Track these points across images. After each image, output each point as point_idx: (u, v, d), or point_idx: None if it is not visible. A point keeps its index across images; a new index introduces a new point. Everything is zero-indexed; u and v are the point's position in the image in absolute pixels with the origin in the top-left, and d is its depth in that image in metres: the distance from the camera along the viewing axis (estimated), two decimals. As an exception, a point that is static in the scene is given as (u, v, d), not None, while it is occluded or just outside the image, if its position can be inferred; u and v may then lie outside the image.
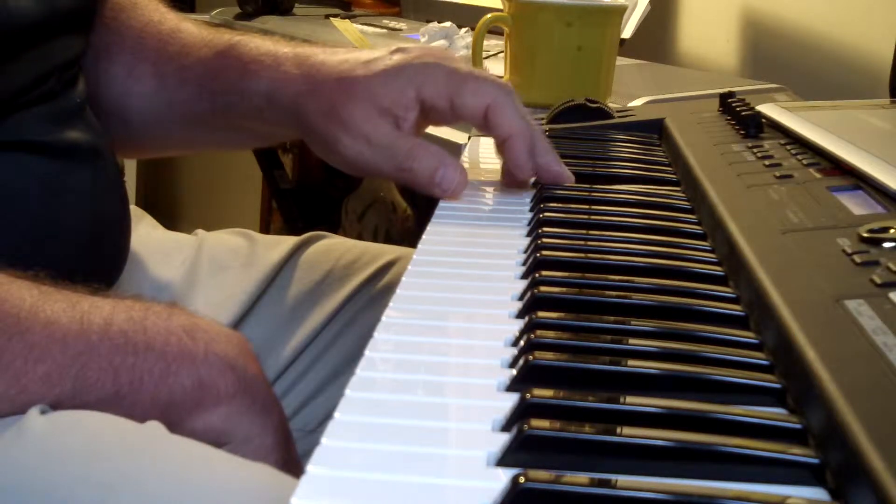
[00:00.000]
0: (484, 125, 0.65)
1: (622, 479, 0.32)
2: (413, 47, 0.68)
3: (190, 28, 0.78)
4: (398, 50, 0.67)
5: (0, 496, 0.45)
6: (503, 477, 0.32)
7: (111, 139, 0.74)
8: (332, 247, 0.86)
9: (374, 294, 0.82)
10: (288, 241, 0.86)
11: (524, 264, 0.52)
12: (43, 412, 0.48)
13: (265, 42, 0.73)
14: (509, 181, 0.68)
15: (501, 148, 0.65)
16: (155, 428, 0.48)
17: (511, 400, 0.36)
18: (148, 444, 0.47)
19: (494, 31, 1.04)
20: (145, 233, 0.83)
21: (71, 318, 0.50)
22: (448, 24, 1.28)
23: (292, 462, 0.55)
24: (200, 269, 0.82)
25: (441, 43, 1.24)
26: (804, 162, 0.62)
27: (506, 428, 0.35)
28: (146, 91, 0.77)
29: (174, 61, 0.76)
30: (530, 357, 0.39)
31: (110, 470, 0.45)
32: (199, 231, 0.87)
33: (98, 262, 0.68)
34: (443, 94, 0.64)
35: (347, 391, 0.37)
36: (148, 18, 0.79)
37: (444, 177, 0.64)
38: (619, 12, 1.04)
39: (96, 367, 0.50)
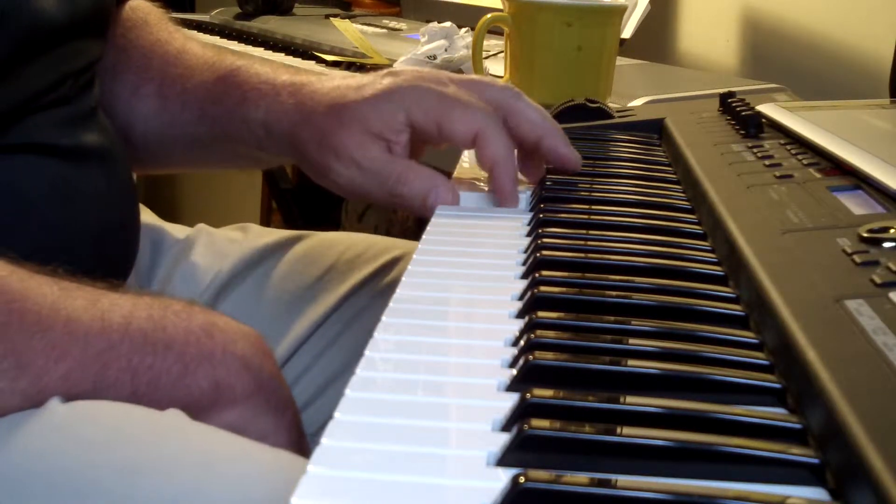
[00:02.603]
0: (473, 150, 0.65)
1: (622, 479, 0.32)
2: (405, 70, 0.68)
3: (195, 49, 0.79)
4: (389, 73, 0.68)
5: (26, 482, 0.45)
6: (503, 477, 0.32)
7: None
8: (337, 239, 0.86)
9: (380, 289, 0.82)
10: (286, 232, 0.86)
11: (524, 264, 0.52)
12: (62, 402, 0.48)
13: (265, 68, 0.74)
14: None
15: (489, 174, 0.66)
16: (176, 414, 0.48)
17: (511, 400, 0.36)
18: (171, 429, 0.47)
19: (494, 31, 1.04)
20: (144, 221, 0.83)
21: (92, 315, 0.50)
22: (448, 24, 1.28)
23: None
24: (194, 250, 0.82)
25: (441, 43, 1.24)
26: (804, 162, 0.62)
27: (506, 428, 0.35)
28: (149, 111, 0.78)
29: (177, 83, 0.77)
30: (530, 357, 0.39)
31: (135, 455, 0.45)
32: (201, 224, 0.87)
33: (107, 264, 0.68)
34: (431, 119, 0.64)
35: (347, 391, 0.37)
36: (156, 38, 0.80)
37: (437, 200, 0.64)
38: (619, 12, 1.04)
39: (116, 367, 0.49)
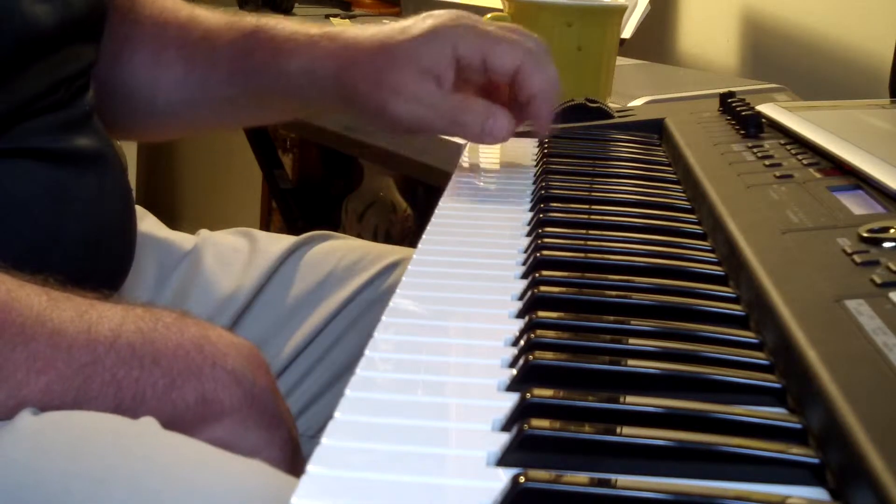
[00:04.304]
0: (512, 84, 0.71)
1: (622, 479, 0.32)
2: (444, 12, 0.72)
3: (206, 14, 0.81)
4: (429, 16, 0.72)
5: None
6: (503, 477, 0.32)
7: (139, 126, 0.78)
8: (335, 247, 0.86)
9: (377, 296, 0.82)
10: (290, 238, 0.86)
11: (524, 264, 0.52)
12: (34, 413, 0.47)
13: (290, 23, 0.76)
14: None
15: (525, 105, 0.71)
16: (148, 424, 0.48)
17: (511, 400, 0.36)
18: (141, 439, 0.47)
19: (494, 31, 1.04)
20: (148, 232, 0.83)
21: (78, 328, 0.49)
22: (448, 24, 1.28)
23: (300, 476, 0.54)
24: (203, 267, 0.82)
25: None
26: (804, 162, 0.62)
27: (506, 428, 0.35)
28: (175, 77, 0.79)
29: (201, 45, 0.79)
30: (530, 357, 0.39)
31: (102, 465, 0.45)
32: (203, 231, 0.87)
33: (102, 268, 0.67)
34: (476, 53, 0.69)
35: (347, 391, 0.37)
36: (162, 6, 0.81)
37: (494, 126, 0.69)
38: (619, 12, 1.04)
39: (99, 381, 0.49)
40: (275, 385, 0.55)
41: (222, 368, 0.51)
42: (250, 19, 0.78)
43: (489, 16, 0.99)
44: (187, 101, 0.80)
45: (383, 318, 0.44)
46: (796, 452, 0.33)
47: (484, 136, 0.70)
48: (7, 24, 0.59)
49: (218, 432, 0.51)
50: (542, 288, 0.46)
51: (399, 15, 1.71)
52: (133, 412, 0.49)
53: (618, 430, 0.34)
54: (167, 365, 0.50)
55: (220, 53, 0.78)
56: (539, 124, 0.72)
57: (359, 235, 1.88)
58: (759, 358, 0.40)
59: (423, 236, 0.57)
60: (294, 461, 0.54)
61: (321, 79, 0.73)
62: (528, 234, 0.57)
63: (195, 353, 0.51)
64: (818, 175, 0.59)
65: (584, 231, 0.57)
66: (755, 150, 0.67)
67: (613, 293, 0.46)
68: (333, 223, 1.96)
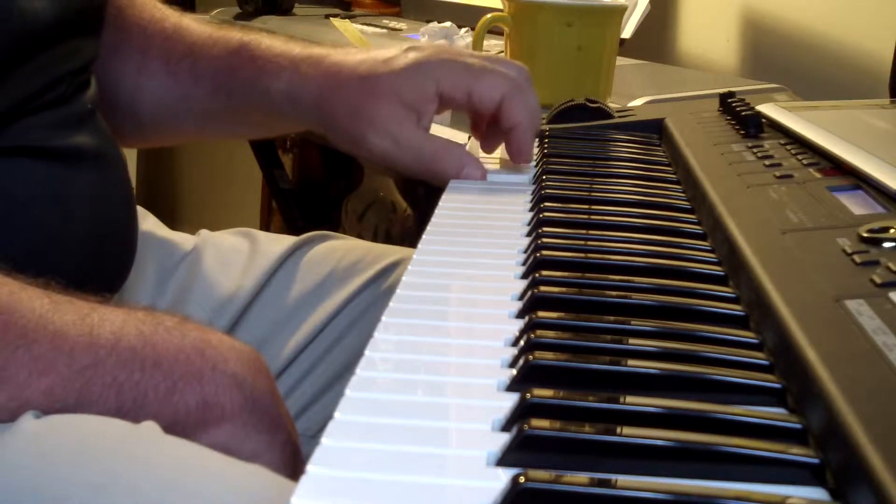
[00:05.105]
0: (495, 112, 0.70)
1: (622, 479, 0.32)
2: (426, 45, 0.71)
3: (193, 25, 0.81)
4: (412, 48, 0.71)
5: None
6: (503, 477, 0.32)
7: (122, 133, 0.76)
8: (335, 247, 0.86)
9: (377, 296, 0.82)
10: (291, 238, 0.86)
11: (524, 264, 0.52)
12: (37, 416, 0.47)
13: (276, 42, 0.76)
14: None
15: (506, 133, 0.71)
16: (149, 428, 0.48)
17: (511, 400, 0.36)
18: (142, 444, 0.47)
19: (494, 31, 1.04)
20: (149, 232, 0.83)
21: (80, 330, 0.50)
22: (448, 24, 1.28)
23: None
24: (203, 267, 0.82)
25: (441, 43, 1.24)
26: (804, 162, 0.62)
27: (506, 428, 0.35)
28: (157, 88, 0.79)
29: (186, 59, 0.79)
30: (530, 357, 0.39)
31: (103, 470, 0.45)
32: (203, 231, 0.87)
33: (103, 267, 0.67)
34: (461, 88, 0.69)
35: (347, 391, 0.37)
36: (150, 16, 0.81)
37: (469, 176, 0.69)
38: (619, 12, 1.04)
39: (100, 383, 0.49)
40: (275, 389, 0.55)
41: (223, 372, 0.51)
42: (236, 35, 0.78)
43: (489, 16, 1.00)
44: (170, 112, 0.80)
45: (383, 318, 0.44)
46: (796, 452, 0.33)
47: None
48: (4, 20, 0.59)
49: (218, 436, 0.51)
50: (542, 288, 0.46)
51: (399, 15, 1.71)
52: (134, 415, 0.49)
53: (618, 430, 0.34)
54: (168, 368, 0.50)
55: (204, 68, 0.78)
56: (519, 153, 0.71)
57: (359, 235, 1.89)
58: (759, 358, 0.40)
59: (423, 236, 0.57)
60: (294, 464, 0.54)
61: (302, 102, 0.73)
62: (528, 234, 0.57)
63: (196, 357, 0.51)
64: (818, 175, 0.59)
65: (584, 231, 0.57)
66: (755, 150, 0.67)
67: (613, 293, 0.46)
68: (333, 223, 1.96)
